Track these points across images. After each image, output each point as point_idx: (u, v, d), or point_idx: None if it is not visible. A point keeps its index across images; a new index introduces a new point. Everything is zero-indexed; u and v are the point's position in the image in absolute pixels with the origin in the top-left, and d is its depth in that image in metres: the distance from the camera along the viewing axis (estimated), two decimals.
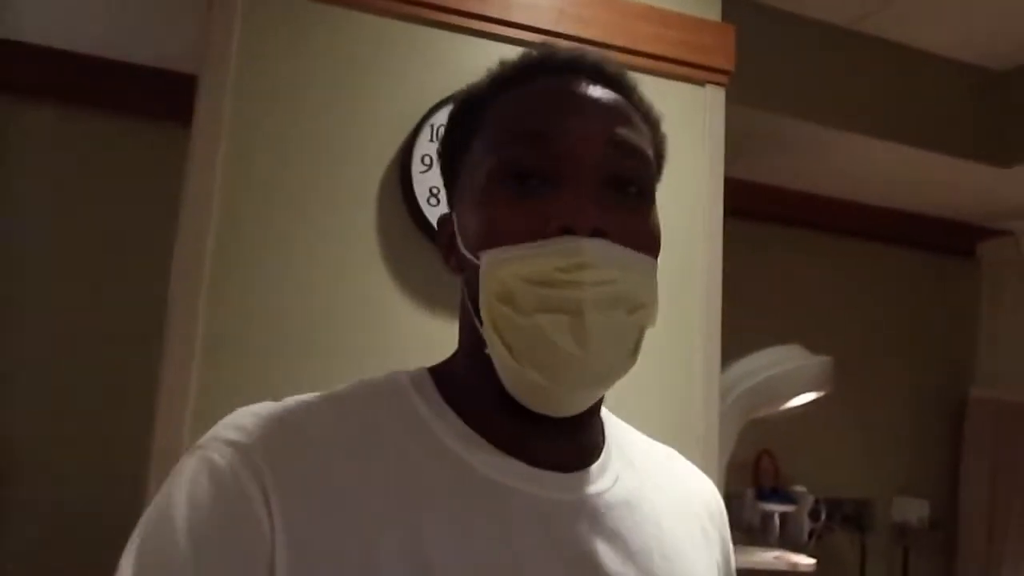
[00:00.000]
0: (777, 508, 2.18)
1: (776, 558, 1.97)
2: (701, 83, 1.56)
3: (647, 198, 0.59)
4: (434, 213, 1.33)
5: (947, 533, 2.65)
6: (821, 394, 1.91)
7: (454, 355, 0.63)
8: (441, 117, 1.36)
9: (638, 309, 0.56)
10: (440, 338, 1.32)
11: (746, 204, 1.50)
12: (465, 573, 0.52)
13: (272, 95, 1.31)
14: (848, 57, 2.06)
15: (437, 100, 1.36)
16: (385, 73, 1.37)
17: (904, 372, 2.70)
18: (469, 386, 0.59)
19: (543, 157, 0.55)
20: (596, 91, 0.58)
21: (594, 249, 0.53)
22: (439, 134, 1.35)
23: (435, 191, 1.34)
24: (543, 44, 0.62)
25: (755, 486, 2.32)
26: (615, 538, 0.58)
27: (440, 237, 0.64)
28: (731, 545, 0.71)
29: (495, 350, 0.54)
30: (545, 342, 0.52)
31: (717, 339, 1.51)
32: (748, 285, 1.69)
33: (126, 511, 0.67)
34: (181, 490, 0.51)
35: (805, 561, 1.92)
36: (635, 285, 0.55)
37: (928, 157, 2.16)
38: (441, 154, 0.64)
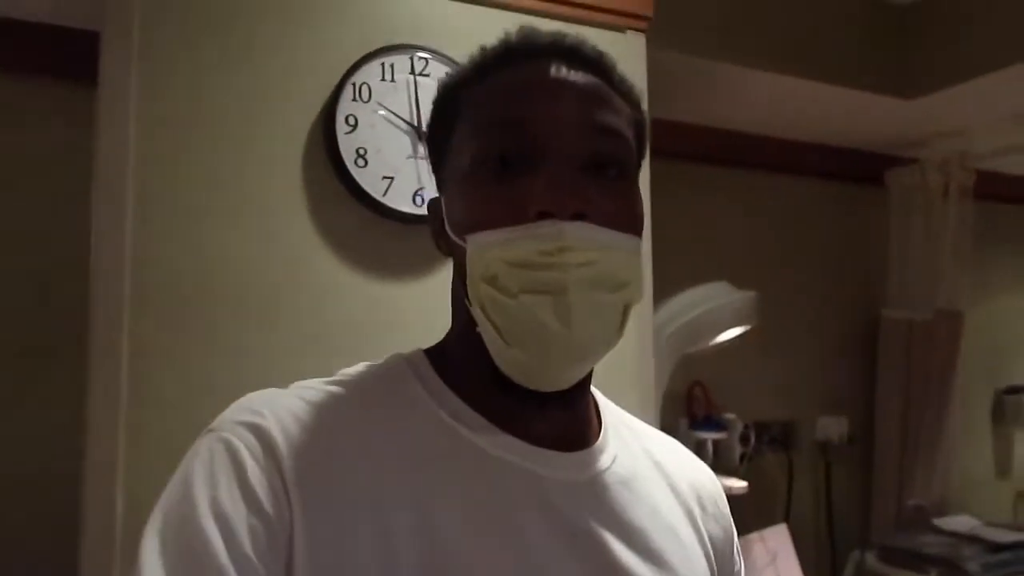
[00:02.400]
0: (710, 436, 2.28)
1: None
2: (621, 29, 1.57)
3: (628, 178, 0.61)
4: (362, 175, 1.31)
5: (864, 446, 2.83)
6: (749, 327, 2.00)
7: (448, 335, 0.65)
8: (364, 75, 1.32)
9: (621, 287, 0.58)
10: (375, 301, 1.34)
11: (662, 145, 1.52)
12: (474, 547, 0.54)
13: (182, 53, 1.25)
14: None
15: (358, 57, 1.32)
16: (303, 27, 1.32)
17: (822, 299, 2.83)
18: (464, 365, 0.61)
19: (524, 143, 0.57)
20: (574, 75, 0.59)
21: (576, 232, 0.54)
22: (361, 93, 1.32)
23: (362, 152, 1.31)
24: (522, 28, 0.62)
25: (688, 416, 2.42)
26: (613, 517, 0.60)
27: (431, 223, 0.66)
28: (732, 530, 0.72)
29: (484, 329, 0.57)
30: (530, 321, 0.54)
31: (649, 280, 1.55)
32: (672, 226, 1.73)
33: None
34: (200, 470, 0.52)
35: (737, 484, 2.02)
36: (617, 265, 0.57)
37: (836, 92, 2.22)
38: (428, 140, 0.65)
